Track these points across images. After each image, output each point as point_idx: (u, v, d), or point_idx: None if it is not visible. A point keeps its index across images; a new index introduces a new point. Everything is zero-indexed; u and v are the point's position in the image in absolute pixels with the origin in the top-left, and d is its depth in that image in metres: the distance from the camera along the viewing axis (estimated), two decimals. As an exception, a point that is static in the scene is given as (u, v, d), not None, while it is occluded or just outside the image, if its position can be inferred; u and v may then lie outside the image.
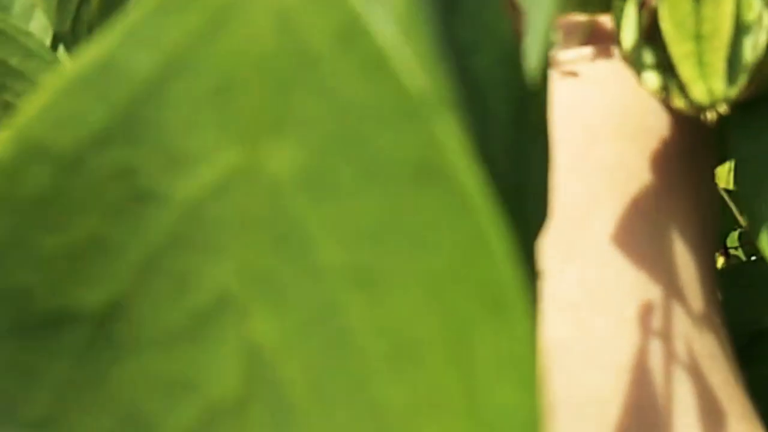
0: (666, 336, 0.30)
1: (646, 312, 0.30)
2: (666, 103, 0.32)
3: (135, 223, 0.14)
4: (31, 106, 0.14)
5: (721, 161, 0.35)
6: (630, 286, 0.30)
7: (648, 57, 0.32)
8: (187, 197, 0.14)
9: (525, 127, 0.19)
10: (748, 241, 0.77)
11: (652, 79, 0.32)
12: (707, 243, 0.32)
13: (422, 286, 0.12)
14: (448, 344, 0.12)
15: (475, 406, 0.12)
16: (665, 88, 0.32)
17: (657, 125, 0.33)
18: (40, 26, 0.41)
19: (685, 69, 0.31)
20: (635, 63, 0.32)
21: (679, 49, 0.31)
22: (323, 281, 0.13)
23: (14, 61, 0.37)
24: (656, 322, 0.30)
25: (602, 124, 0.33)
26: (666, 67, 0.31)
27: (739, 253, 0.78)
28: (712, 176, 0.34)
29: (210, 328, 0.14)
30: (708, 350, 0.31)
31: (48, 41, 0.42)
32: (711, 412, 0.31)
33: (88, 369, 0.15)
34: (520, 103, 0.18)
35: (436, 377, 0.12)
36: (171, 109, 0.14)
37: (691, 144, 0.33)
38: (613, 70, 0.34)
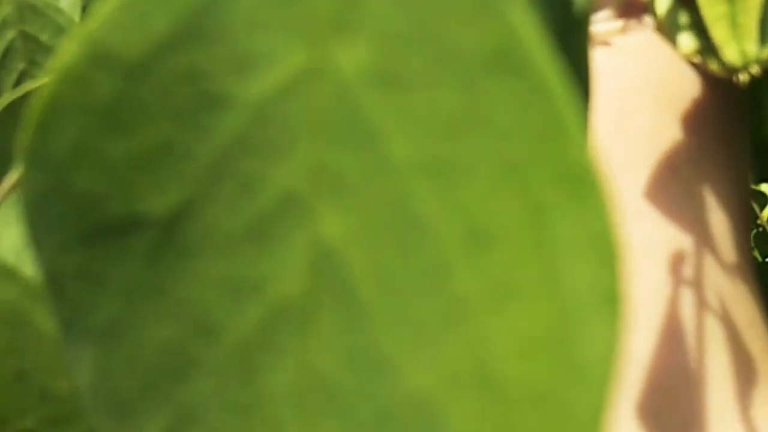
0: (699, 287, 0.30)
1: (679, 264, 0.30)
2: (700, 66, 0.32)
3: (202, 127, 0.14)
4: (99, 15, 0.14)
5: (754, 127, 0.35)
6: (665, 242, 0.31)
7: (683, 20, 0.32)
8: (255, 99, 0.14)
9: (569, 54, 0.19)
10: (765, 240, 0.77)
11: (688, 41, 0.32)
12: (740, 200, 0.32)
13: (498, 173, 0.13)
14: (525, 228, 0.12)
15: (555, 287, 0.12)
16: (700, 51, 0.32)
17: (691, 92, 0.33)
18: (69, 2, 0.42)
19: (718, 31, 0.31)
20: (670, 28, 0.32)
21: (711, 11, 0.31)
22: (394, 175, 0.13)
23: (44, 36, 0.37)
24: (690, 274, 0.30)
25: (637, 95, 0.33)
26: (699, 30, 0.32)
27: (755, 253, 0.78)
28: (745, 137, 0.34)
29: (276, 229, 0.14)
30: (743, 309, 0.31)
31: (77, 17, 0.42)
32: (744, 373, 0.31)
33: (154, 274, 0.15)
34: (566, 29, 0.18)
35: (514, 261, 0.12)
36: (237, 11, 0.14)
37: (725, 107, 0.33)
38: (647, 40, 0.35)
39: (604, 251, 0.12)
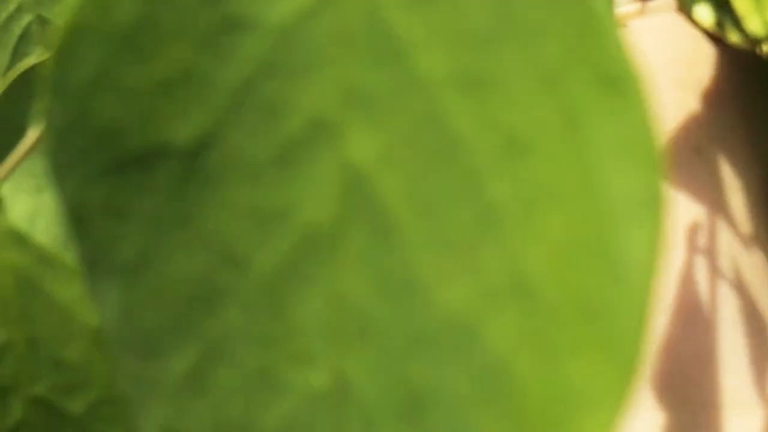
0: (722, 269, 0.30)
1: (693, 233, 0.30)
2: (721, 42, 0.32)
3: (226, 52, 0.14)
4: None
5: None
6: (688, 224, 0.30)
7: (701, -7, 0.32)
8: (280, 21, 0.14)
9: None
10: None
11: (706, 14, 0.32)
12: (760, 173, 0.32)
13: (533, 80, 0.12)
14: (562, 133, 0.12)
15: (594, 192, 0.12)
16: (719, 24, 0.31)
17: (713, 70, 0.33)
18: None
19: (740, 3, 0.31)
20: (688, 2, 0.32)
21: (733, -18, 0.31)
22: (425, 92, 0.13)
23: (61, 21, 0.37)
24: (713, 256, 0.30)
25: (659, 74, 0.33)
26: (719, 2, 0.31)
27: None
28: (767, 112, 0.34)
29: (304, 154, 0.14)
30: (766, 292, 0.31)
31: None
32: (764, 354, 0.30)
33: (180, 205, 0.15)
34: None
35: (550, 168, 0.12)
36: (263, -68, 0.14)
37: (747, 82, 0.33)
38: (667, 20, 0.34)
39: (643, 153, 0.12)
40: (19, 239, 0.24)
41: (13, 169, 0.24)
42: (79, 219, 0.15)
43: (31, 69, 0.26)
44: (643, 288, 0.11)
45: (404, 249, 0.13)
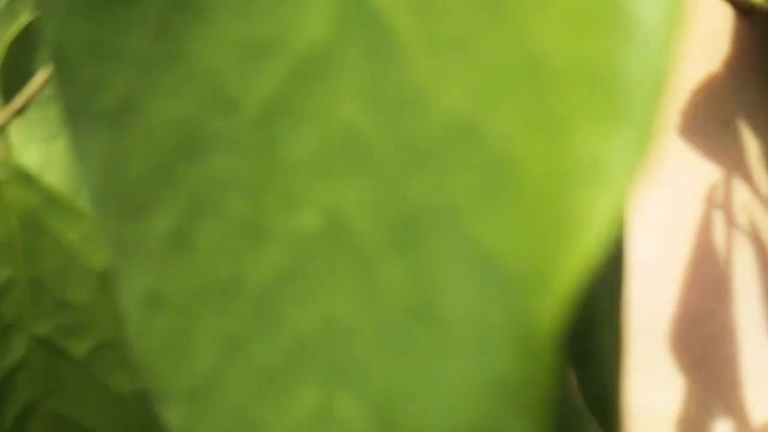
0: (730, 213, 0.29)
1: (712, 194, 0.29)
2: (740, 6, 0.32)
3: None
4: None
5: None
6: (695, 172, 0.30)
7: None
8: None
9: None
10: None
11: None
12: None
13: None
14: None
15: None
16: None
17: (739, 42, 0.33)
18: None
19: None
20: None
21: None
22: None
23: None
24: (743, 228, 0.29)
25: (687, 46, 0.33)
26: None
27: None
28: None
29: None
30: None
31: None
32: None
33: (167, 42, 0.14)
34: None
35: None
36: None
37: (766, 49, 0.32)
38: None
39: None
40: (26, 179, 0.23)
41: (22, 111, 0.24)
42: (63, 60, 0.14)
43: (35, 22, 0.26)
44: (660, 50, 0.10)
45: (403, 58, 0.12)
